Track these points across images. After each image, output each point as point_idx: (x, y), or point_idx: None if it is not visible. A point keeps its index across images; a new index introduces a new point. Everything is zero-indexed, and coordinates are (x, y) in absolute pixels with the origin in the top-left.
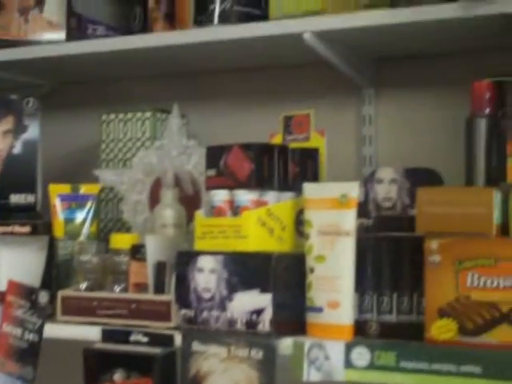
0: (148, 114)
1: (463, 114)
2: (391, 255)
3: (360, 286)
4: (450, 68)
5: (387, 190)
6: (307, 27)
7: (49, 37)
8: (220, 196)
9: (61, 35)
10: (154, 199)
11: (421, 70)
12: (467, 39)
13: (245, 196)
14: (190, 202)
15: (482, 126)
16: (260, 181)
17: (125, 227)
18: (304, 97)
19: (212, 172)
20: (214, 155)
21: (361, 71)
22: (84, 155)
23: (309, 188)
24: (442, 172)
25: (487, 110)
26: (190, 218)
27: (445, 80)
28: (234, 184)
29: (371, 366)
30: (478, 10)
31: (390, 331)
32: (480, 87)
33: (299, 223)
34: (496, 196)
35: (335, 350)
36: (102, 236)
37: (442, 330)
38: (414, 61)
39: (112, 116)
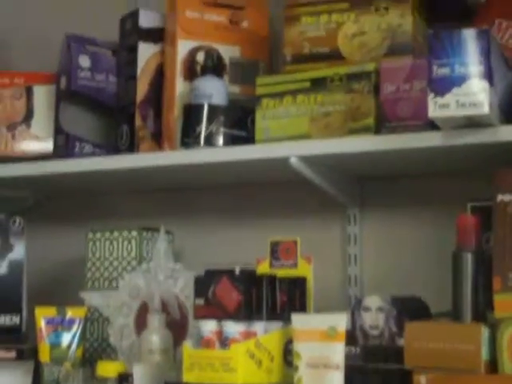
0: (134, 233)
1: (447, 236)
2: None
3: None
4: (435, 189)
5: (374, 318)
6: (293, 151)
7: (36, 150)
8: (208, 327)
9: (48, 148)
10: (141, 322)
11: (405, 190)
12: (452, 163)
13: (233, 327)
14: (176, 326)
15: (468, 260)
16: (248, 312)
17: (111, 347)
18: (290, 215)
19: (200, 301)
20: (203, 284)
21: (345, 191)
22: (69, 271)
23: (297, 319)
24: (426, 294)
25: (473, 244)
26: (177, 342)
27: (429, 201)
28: (222, 314)
29: None
30: (462, 140)
31: None
32: (465, 221)
33: (288, 353)
34: (484, 332)
35: None
36: (87, 356)
37: None
38: (398, 181)
39: (98, 234)
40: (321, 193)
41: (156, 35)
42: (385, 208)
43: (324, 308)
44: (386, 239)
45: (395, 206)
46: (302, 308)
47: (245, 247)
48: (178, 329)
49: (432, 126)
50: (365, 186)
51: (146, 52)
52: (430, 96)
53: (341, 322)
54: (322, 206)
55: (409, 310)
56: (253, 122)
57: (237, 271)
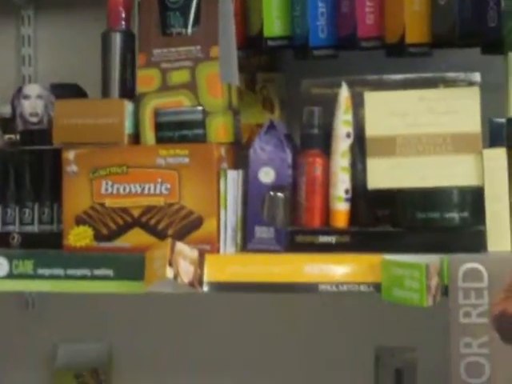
0: None
1: None
2: (33, 168)
3: (3, 199)
4: None
5: (34, 106)
6: None
7: None
8: None
9: None
10: None
11: None
12: None
13: None
14: None
15: (116, 39)
16: None
17: None
18: None
19: None
20: None
21: None
22: None
23: None
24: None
25: (122, 25)
26: None
27: None
28: None
29: (10, 275)
30: None
31: (32, 241)
32: (115, 3)
33: None
34: (127, 106)
35: None
36: None
37: (78, 237)
38: None
39: None
40: None
41: None
42: (58, 9)
43: None
44: (59, 40)
45: (68, 6)
46: None
47: None
48: None
49: None
50: None
51: None
52: None
53: None
54: None
55: (67, 95)
56: None
57: None
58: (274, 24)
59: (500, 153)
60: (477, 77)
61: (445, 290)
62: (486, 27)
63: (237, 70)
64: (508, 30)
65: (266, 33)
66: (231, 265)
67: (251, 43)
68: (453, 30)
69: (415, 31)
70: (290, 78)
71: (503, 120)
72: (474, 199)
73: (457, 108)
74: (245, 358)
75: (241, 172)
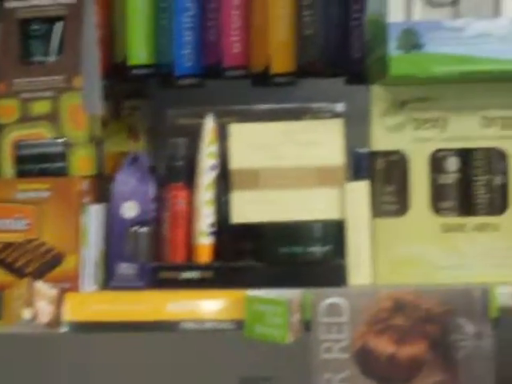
0: None
1: None
2: None
3: None
4: None
5: None
6: None
7: None
8: None
9: None
10: None
11: None
12: None
13: None
14: None
15: None
16: None
17: None
18: None
19: None
20: None
21: None
22: None
23: None
24: None
25: None
26: None
27: None
28: None
29: None
30: None
31: None
32: None
33: None
34: None
35: None
36: None
37: None
38: None
39: None
40: None
41: None
42: None
43: None
44: None
45: None
46: None
47: None
48: None
49: None
50: None
51: None
52: None
53: None
54: None
55: None
56: None
57: None
58: (138, 52)
59: (362, 185)
60: (341, 107)
61: (307, 325)
62: (351, 58)
63: (100, 99)
64: (371, 61)
65: (131, 61)
66: (91, 303)
67: (116, 71)
68: (318, 60)
69: (280, 61)
70: (156, 106)
71: (366, 151)
72: (336, 233)
73: (320, 140)
74: None
75: (103, 206)
